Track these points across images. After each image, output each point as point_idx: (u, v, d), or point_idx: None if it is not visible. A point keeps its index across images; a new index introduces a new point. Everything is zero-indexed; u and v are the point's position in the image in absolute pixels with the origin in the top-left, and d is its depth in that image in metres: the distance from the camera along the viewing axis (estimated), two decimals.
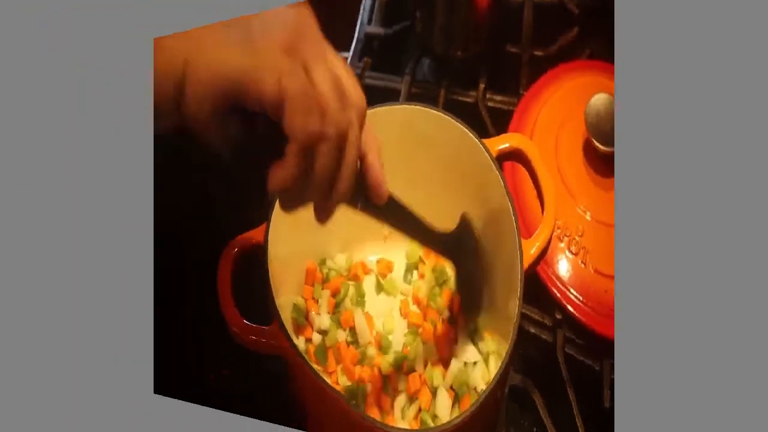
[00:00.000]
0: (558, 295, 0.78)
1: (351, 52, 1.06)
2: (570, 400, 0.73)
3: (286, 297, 0.78)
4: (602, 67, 0.93)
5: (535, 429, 0.77)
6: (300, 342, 0.79)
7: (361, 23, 1.08)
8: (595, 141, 0.81)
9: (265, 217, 0.70)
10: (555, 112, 0.90)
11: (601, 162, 0.84)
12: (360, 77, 1.03)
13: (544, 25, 1.04)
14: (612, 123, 0.81)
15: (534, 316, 0.79)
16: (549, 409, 0.74)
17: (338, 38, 0.61)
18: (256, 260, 0.70)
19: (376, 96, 0.94)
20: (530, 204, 0.82)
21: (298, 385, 0.71)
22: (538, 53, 1.02)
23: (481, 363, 0.72)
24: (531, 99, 0.92)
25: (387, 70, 1.04)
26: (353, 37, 1.07)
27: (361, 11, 1.09)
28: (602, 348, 0.76)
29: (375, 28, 1.09)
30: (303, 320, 0.80)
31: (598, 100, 0.83)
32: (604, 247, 0.80)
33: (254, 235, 0.73)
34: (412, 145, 0.77)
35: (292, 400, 0.74)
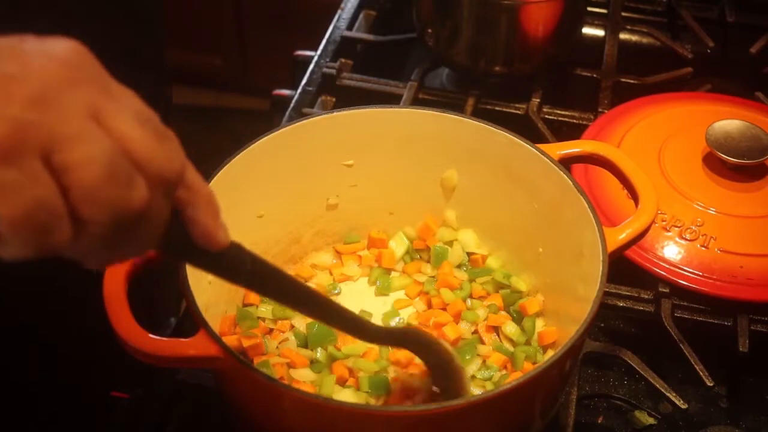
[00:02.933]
0: (663, 273, 0.93)
1: (319, 51, 1.22)
2: (684, 354, 0.88)
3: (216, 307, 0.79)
4: (721, 98, 1.15)
5: (625, 379, 0.91)
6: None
7: (335, 27, 1.26)
8: (722, 155, 0.98)
9: None
10: (656, 129, 1.08)
11: (727, 170, 1.00)
12: (337, 76, 1.18)
13: (634, 58, 1.27)
14: (746, 142, 0.99)
15: (623, 293, 0.93)
16: (649, 365, 0.88)
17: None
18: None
19: (359, 97, 1.11)
20: (608, 198, 0.99)
21: (242, 396, 0.72)
22: (628, 80, 1.20)
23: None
24: (616, 116, 1.11)
25: (375, 74, 1.19)
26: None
27: (337, 17, 1.28)
28: (733, 307, 0.91)
29: (360, 34, 1.27)
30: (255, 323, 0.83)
31: (730, 123, 1.01)
32: (732, 233, 0.95)
33: None
34: (443, 148, 0.88)
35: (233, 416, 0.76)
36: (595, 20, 1.31)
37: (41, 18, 0.77)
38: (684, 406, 0.85)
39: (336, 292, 0.90)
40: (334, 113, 0.86)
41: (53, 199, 0.44)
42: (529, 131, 1.10)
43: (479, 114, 1.09)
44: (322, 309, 0.69)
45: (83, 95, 0.46)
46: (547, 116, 1.15)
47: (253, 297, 0.86)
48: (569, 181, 0.80)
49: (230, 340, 0.80)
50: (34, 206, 0.43)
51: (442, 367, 0.76)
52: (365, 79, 1.20)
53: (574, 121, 1.15)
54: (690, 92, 1.19)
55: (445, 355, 0.75)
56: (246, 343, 0.80)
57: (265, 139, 0.83)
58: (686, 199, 0.98)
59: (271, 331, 0.84)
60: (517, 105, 1.16)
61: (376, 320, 0.86)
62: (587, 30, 1.28)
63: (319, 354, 0.81)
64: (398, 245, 0.93)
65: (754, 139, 1.00)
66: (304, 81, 1.19)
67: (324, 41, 1.26)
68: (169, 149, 0.49)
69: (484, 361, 0.82)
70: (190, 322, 0.69)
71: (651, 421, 0.88)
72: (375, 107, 0.88)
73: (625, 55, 1.25)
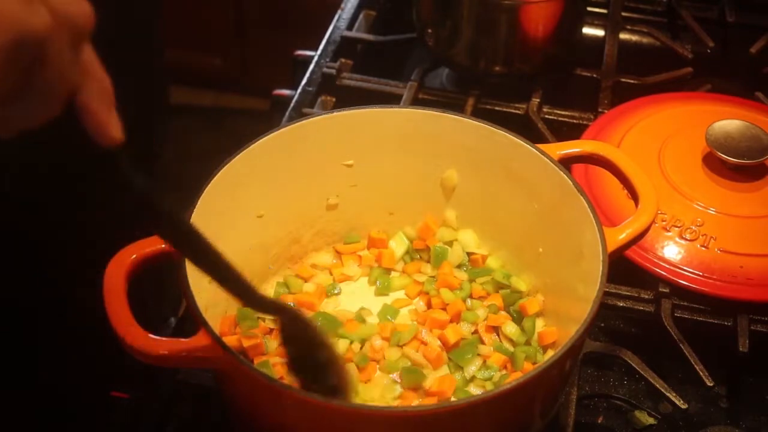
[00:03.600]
0: (663, 273, 0.93)
1: (319, 51, 1.22)
2: (684, 354, 0.87)
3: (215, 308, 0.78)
4: (721, 98, 1.15)
5: (625, 379, 0.91)
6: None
7: (335, 27, 1.27)
8: (722, 155, 0.98)
9: None
10: (656, 129, 1.07)
11: (727, 170, 1.00)
12: (337, 76, 1.18)
13: (635, 58, 1.27)
14: (746, 142, 0.99)
15: (623, 293, 0.93)
16: (649, 365, 0.88)
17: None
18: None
19: (359, 97, 1.11)
20: (608, 198, 0.98)
21: (242, 396, 0.71)
22: (628, 80, 1.20)
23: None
24: (616, 116, 1.11)
25: (375, 74, 1.20)
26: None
27: (337, 17, 1.28)
28: (733, 307, 0.91)
29: (360, 34, 1.27)
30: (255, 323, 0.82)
31: (730, 123, 1.01)
32: (732, 233, 0.95)
33: (162, 240, 0.70)
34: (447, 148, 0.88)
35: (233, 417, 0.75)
36: (595, 20, 1.31)
37: None
38: (684, 406, 0.85)
39: (336, 292, 0.90)
40: (334, 113, 0.86)
41: None
42: (529, 131, 1.10)
43: (479, 114, 1.09)
44: (218, 267, 0.63)
45: None
46: (547, 116, 1.15)
47: None
48: (569, 181, 0.80)
49: (230, 340, 0.80)
50: None
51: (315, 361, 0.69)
52: (365, 79, 1.20)
53: (574, 121, 1.15)
54: (690, 92, 1.19)
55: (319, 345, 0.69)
56: (246, 343, 0.80)
57: (265, 139, 0.83)
58: (686, 199, 0.98)
59: (271, 331, 0.84)
60: (517, 105, 1.16)
61: (374, 317, 0.87)
62: (587, 30, 1.28)
63: None
64: (398, 245, 0.93)
65: (754, 139, 1.00)
66: (304, 81, 1.19)
67: (324, 41, 1.26)
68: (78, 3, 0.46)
69: (484, 361, 0.82)
70: (190, 322, 0.68)
71: (651, 421, 0.88)
72: (375, 107, 0.88)
73: (625, 55, 1.25)
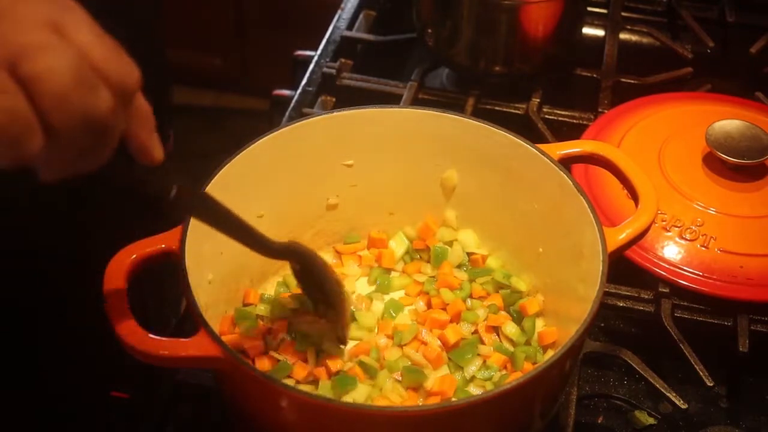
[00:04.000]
0: (663, 273, 0.93)
1: (319, 51, 1.22)
2: (684, 354, 0.87)
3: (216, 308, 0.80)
4: (721, 98, 1.15)
5: (625, 379, 0.91)
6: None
7: (335, 27, 1.27)
8: (722, 155, 0.98)
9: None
10: (656, 129, 1.08)
11: (727, 170, 1.00)
12: (337, 76, 1.18)
13: (635, 58, 1.27)
14: (746, 142, 0.99)
15: (623, 293, 0.93)
16: (649, 365, 0.88)
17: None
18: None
19: (359, 97, 1.11)
20: (608, 198, 0.98)
21: (242, 396, 0.72)
22: (628, 80, 1.20)
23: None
24: (616, 116, 1.11)
25: (375, 74, 1.20)
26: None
27: (337, 17, 1.29)
28: (733, 307, 0.91)
29: (360, 34, 1.27)
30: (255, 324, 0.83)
31: (730, 123, 1.01)
32: (732, 233, 0.95)
33: (162, 240, 0.72)
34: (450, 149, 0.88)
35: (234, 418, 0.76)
36: (595, 20, 1.31)
37: None
38: (684, 406, 0.85)
39: None
40: (334, 113, 0.87)
41: (23, 109, 0.45)
42: (529, 131, 1.10)
43: (479, 114, 1.09)
44: (236, 228, 0.72)
45: (38, 6, 0.46)
46: (547, 116, 1.15)
47: (253, 297, 0.86)
48: (569, 181, 0.80)
49: (230, 340, 0.80)
50: (5, 118, 0.44)
51: (323, 290, 0.81)
52: (365, 79, 1.20)
53: (574, 121, 1.15)
54: (690, 92, 1.19)
55: (328, 281, 0.81)
56: (246, 343, 0.80)
57: (265, 139, 0.83)
58: (686, 199, 0.98)
59: (270, 330, 0.84)
60: (517, 105, 1.16)
61: (374, 315, 0.87)
62: (587, 30, 1.28)
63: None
64: (398, 245, 0.93)
65: (754, 139, 1.00)
66: (304, 81, 1.19)
67: (324, 41, 1.26)
68: (126, 61, 0.50)
69: (484, 361, 0.82)
70: (190, 322, 0.69)
71: (651, 421, 0.88)
72: (375, 107, 0.88)
73: (625, 55, 1.25)
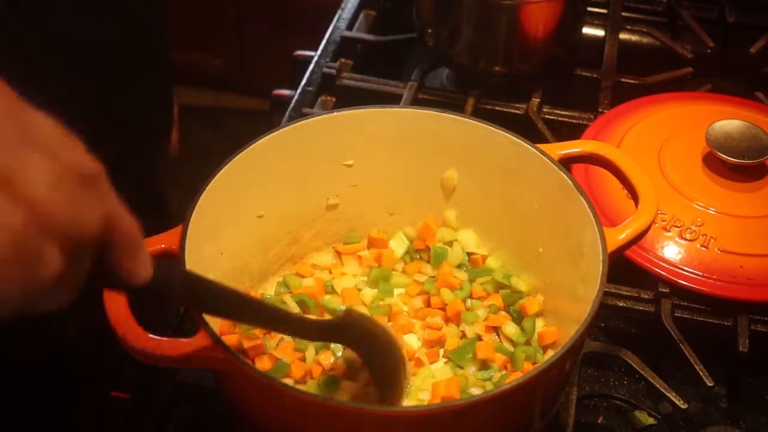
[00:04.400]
0: (663, 273, 0.93)
1: (319, 51, 1.23)
2: (684, 354, 0.87)
3: None
4: (721, 98, 1.15)
5: (625, 379, 0.92)
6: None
7: (335, 27, 1.27)
8: (722, 155, 0.98)
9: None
10: (656, 129, 1.08)
11: (727, 170, 1.00)
12: (337, 76, 1.19)
13: (635, 58, 1.28)
14: (746, 142, 0.99)
15: (623, 293, 0.93)
16: (649, 365, 0.88)
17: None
18: None
19: (359, 97, 1.12)
20: (608, 198, 0.99)
21: (242, 396, 0.72)
22: (628, 80, 1.20)
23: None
24: (616, 116, 1.11)
25: (375, 74, 1.20)
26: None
27: (337, 17, 1.29)
28: (733, 307, 0.92)
29: (360, 34, 1.28)
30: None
31: (730, 123, 1.01)
32: (732, 233, 0.95)
33: (162, 240, 0.72)
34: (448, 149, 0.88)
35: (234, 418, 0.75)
36: (595, 20, 1.31)
37: (41, 20, 0.77)
38: (684, 406, 0.85)
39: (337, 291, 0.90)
40: (334, 113, 0.87)
41: None
42: (529, 131, 1.10)
43: (479, 114, 1.09)
44: (263, 316, 0.67)
45: None
46: (547, 116, 1.15)
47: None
48: (569, 181, 0.80)
49: (230, 340, 0.80)
50: None
51: (385, 371, 0.75)
52: (365, 79, 1.20)
53: (574, 121, 1.15)
54: (690, 92, 1.20)
55: (391, 357, 0.75)
56: (246, 343, 0.80)
57: (265, 139, 0.83)
58: (686, 199, 0.98)
59: (269, 330, 0.84)
60: (517, 105, 1.16)
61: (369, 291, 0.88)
62: (587, 30, 1.28)
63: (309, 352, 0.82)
64: (398, 245, 0.93)
65: (754, 139, 1.00)
66: (304, 81, 1.19)
67: (324, 41, 1.26)
68: (87, 204, 0.44)
69: (484, 361, 0.82)
70: (190, 322, 0.69)
71: (651, 421, 0.88)
72: (375, 107, 0.88)
73: (625, 55, 1.25)
